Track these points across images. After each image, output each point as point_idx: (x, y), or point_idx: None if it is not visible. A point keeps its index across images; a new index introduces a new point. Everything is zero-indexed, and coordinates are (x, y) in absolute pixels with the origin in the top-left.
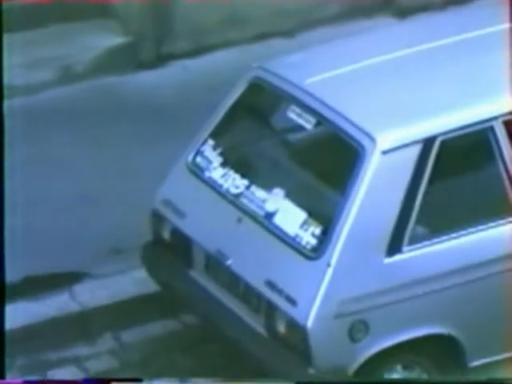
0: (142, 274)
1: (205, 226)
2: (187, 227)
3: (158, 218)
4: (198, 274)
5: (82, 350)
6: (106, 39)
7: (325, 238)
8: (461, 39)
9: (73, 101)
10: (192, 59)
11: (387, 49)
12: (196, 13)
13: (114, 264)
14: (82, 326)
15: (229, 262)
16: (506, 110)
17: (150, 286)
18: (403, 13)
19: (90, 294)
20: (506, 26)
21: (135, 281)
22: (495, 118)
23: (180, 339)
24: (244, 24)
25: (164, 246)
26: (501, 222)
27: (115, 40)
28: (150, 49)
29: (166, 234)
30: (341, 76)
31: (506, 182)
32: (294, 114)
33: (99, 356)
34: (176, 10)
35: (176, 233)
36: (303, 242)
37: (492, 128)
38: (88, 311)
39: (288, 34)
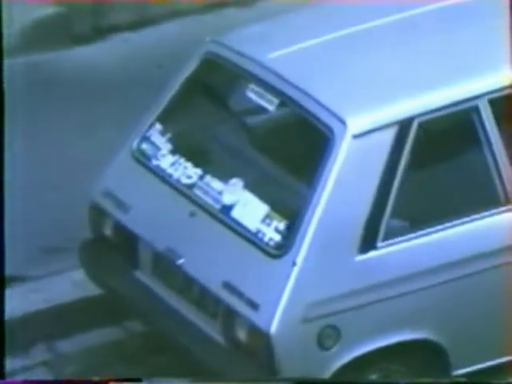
0: (80, 275)
1: (152, 220)
2: (132, 222)
3: (97, 212)
4: (144, 276)
5: (12, 363)
6: (34, 10)
7: (290, 234)
8: (441, 7)
9: None
10: (135, 32)
11: (358, 19)
12: None
13: (48, 264)
14: (11, 334)
15: (180, 262)
16: (492, 87)
17: (91, 289)
18: None
19: (21, 299)
20: None
21: (73, 283)
22: (480, 97)
23: (124, 349)
24: None
25: (105, 244)
26: (487, 213)
27: (45, 10)
28: (86, 20)
29: (108, 230)
30: (306, 50)
31: (493, 169)
32: (253, 94)
33: (32, 369)
34: None
35: (119, 228)
36: (266, 239)
37: (476, 108)
38: (18, 318)
39: (244, 2)
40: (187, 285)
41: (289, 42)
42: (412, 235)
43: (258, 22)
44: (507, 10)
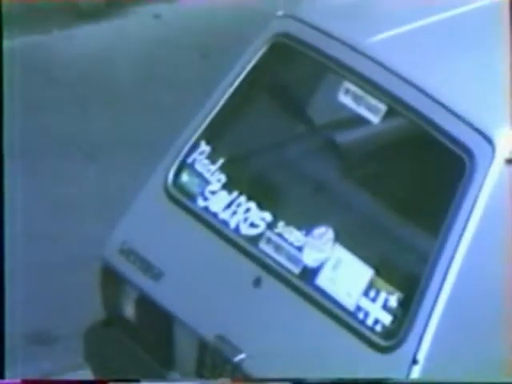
0: (84, 377)
1: (196, 293)
2: (165, 295)
3: (112, 279)
4: (184, 380)
5: None
6: None
7: (406, 314)
8: None
9: None
10: (169, 3)
11: None
12: None
13: (36, 361)
14: None
15: (239, 359)
16: None
17: None
18: None
19: None
20: None
21: None
22: None
23: None
24: None
25: (124, 329)
26: None
27: None
28: None
29: (128, 308)
30: (424, 31)
31: None
32: (347, 97)
33: None
34: None
35: (145, 305)
36: (369, 321)
37: None
38: None
39: None
40: None
41: (396, 18)
42: None
43: None
44: None
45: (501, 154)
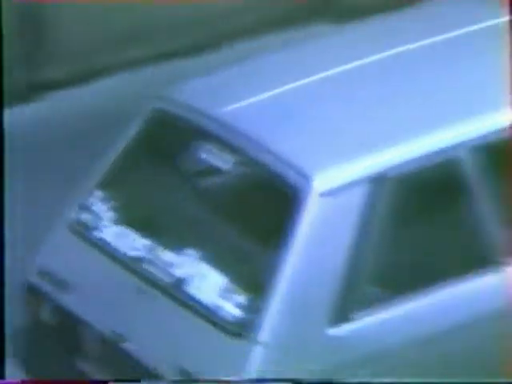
0: (10, 370)
1: (97, 300)
2: (74, 303)
3: (34, 295)
4: (92, 367)
5: None
6: None
7: (253, 309)
8: (424, 45)
9: None
10: (70, 89)
11: (324, 64)
12: (77, 29)
13: None
14: None
15: (125, 346)
16: (475, 134)
17: None
18: (343, 18)
19: None
20: (483, 26)
21: None
22: (462, 145)
23: None
24: (140, 41)
25: (44, 332)
26: (475, 275)
27: None
28: (17, 74)
29: (46, 315)
30: (265, 102)
31: (477, 227)
32: (207, 153)
33: None
34: (49, 22)
35: (59, 312)
36: (225, 315)
37: (459, 159)
38: None
39: (195, 51)
40: (139, 374)
41: (244, 93)
42: (393, 303)
43: (210, 71)
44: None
45: (317, 189)
